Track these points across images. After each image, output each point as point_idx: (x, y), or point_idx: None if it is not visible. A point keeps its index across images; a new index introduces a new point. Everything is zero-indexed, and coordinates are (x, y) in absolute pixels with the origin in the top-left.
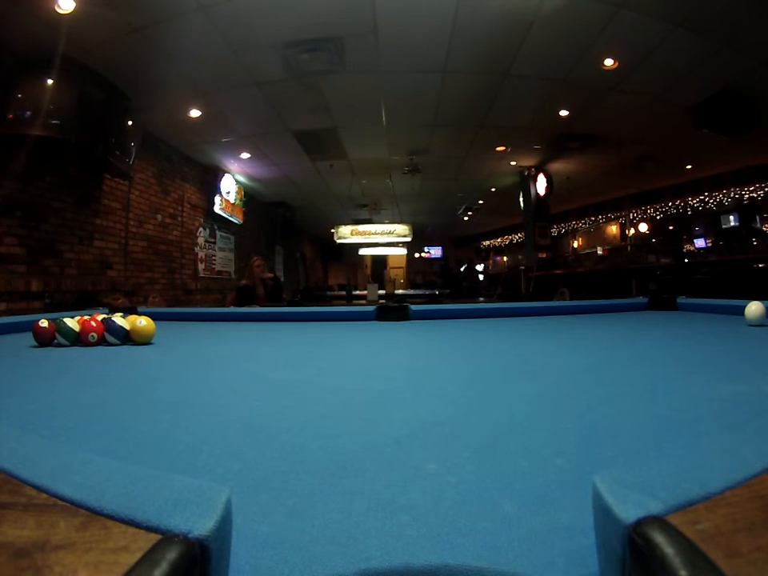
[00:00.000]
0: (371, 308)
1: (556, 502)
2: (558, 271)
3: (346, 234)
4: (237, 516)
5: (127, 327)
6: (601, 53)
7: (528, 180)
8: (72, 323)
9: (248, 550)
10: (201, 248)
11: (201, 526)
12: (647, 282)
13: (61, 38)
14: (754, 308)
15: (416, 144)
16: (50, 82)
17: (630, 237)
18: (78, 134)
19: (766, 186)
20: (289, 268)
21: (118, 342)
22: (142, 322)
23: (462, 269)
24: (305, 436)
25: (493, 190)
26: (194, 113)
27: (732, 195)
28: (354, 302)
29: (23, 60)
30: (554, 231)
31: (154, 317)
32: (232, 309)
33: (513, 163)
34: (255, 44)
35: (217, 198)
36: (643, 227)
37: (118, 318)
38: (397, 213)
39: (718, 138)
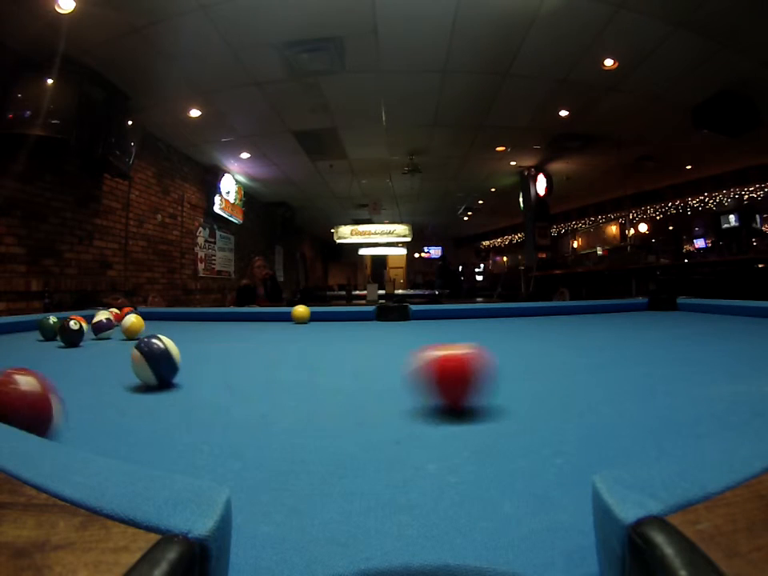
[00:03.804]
0: (371, 308)
1: (556, 502)
2: (557, 271)
3: (345, 233)
4: (237, 516)
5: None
6: (601, 53)
7: (528, 180)
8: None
9: (248, 550)
10: (201, 248)
11: (201, 526)
12: (647, 282)
13: (61, 38)
14: None
15: (416, 144)
16: (49, 81)
17: (630, 237)
18: (77, 133)
19: (766, 186)
20: (289, 268)
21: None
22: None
23: (460, 268)
24: (305, 436)
25: (493, 190)
26: (194, 113)
27: (732, 195)
28: (354, 301)
29: (23, 60)
30: (554, 231)
31: (154, 316)
32: (232, 309)
33: (513, 163)
34: (255, 44)
35: (217, 198)
36: (643, 227)
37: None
38: (397, 213)
39: (718, 137)
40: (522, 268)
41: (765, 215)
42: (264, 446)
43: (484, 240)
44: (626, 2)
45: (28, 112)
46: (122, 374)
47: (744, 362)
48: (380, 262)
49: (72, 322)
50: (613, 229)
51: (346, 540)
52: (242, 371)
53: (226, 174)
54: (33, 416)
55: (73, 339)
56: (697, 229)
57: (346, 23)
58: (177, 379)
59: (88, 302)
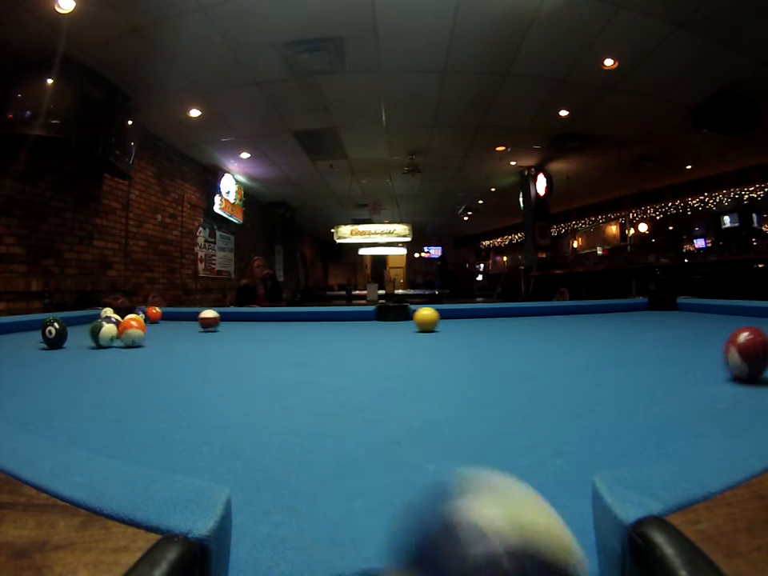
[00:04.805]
0: (371, 308)
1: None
2: (557, 271)
3: (345, 233)
4: (237, 516)
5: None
6: (601, 53)
7: (528, 180)
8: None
9: (248, 549)
10: (201, 248)
11: (201, 526)
12: (647, 282)
13: (61, 38)
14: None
15: (416, 144)
16: (49, 81)
17: (630, 237)
18: (77, 133)
19: (765, 186)
20: (289, 268)
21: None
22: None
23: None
24: (305, 436)
25: (493, 190)
26: (194, 113)
27: (732, 195)
28: (354, 301)
29: (23, 60)
30: (554, 231)
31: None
32: (232, 308)
33: (513, 163)
34: (255, 44)
35: (217, 198)
36: (643, 227)
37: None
38: (397, 213)
39: (718, 137)
40: (522, 268)
41: (764, 215)
42: (264, 445)
43: (484, 240)
44: (626, 1)
45: (28, 112)
46: (122, 375)
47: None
48: (380, 261)
49: (48, 330)
50: (613, 229)
51: (346, 540)
52: (242, 371)
53: (226, 174)
54: None
55: (55, 343)
56: (697, 229)
57: (346, 23)
58: (176, 379)
59: (88, 301)
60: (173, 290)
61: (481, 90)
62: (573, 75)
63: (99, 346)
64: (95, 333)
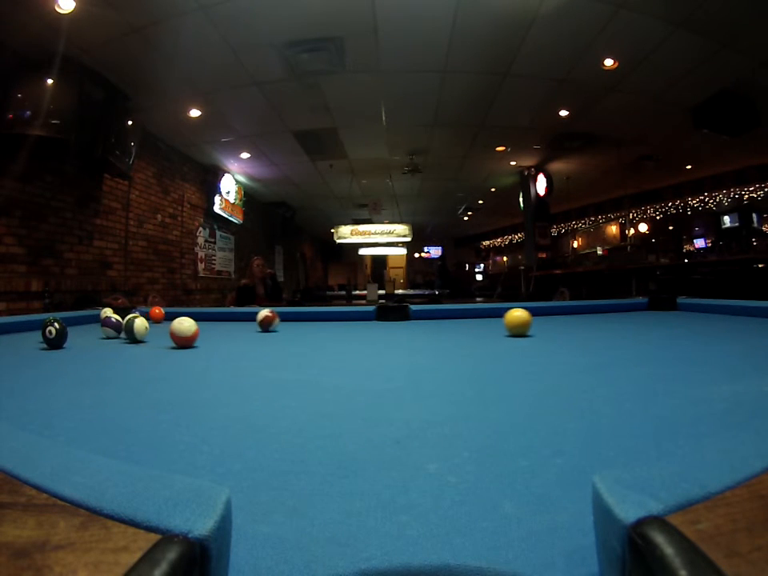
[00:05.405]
0: (371, 308)
1: (556, 501)
2: (557, 271)
3: (345, 233)
4: (237, 516)
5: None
6: (601, 53)
7: (528, 180)
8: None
9: (248, 549)
10: (201, 248)
11: (201, 526)
12: (647, 282)
13: (61, 38)
14: None
15: (416, 144)
16: (50, 81)
17: (630, 237)
18: (77, 133)
19: (765, 186)
20: (289, 268)
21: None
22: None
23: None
24: (305, 436)
25: (493, 190)
26: (194, 113)
27: (732, 195)
28: (354, 301)
29: (23, 60)
30: (554, 231)
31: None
32: (232, 308)
33: (513, 163)
34: (255, 44)
35: (217, 198)
36: (643, 227)
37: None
38: (397, 213)
39: (718, 137)
40: (522, 268)
41: (765, 215)
42: (264, 445)
43: (484, 240)
44: (626, 1)
45: (28, 112)
46: (122, 374)
47: (744, 362)
48: (380, 261)
49: (48, 330)
50: (613, 229)
51: (346, 540)
52: (242, 371)
53: (226, 174)
54: None
55: (55, 343)
56: (697, 229)
57: (345, 23)
58: (176, 378)
59: (88, 302)
60: (173, 290)
61: (481, 90)
62: (573, 75)
63: (135, 341)
64: (130, 328)
